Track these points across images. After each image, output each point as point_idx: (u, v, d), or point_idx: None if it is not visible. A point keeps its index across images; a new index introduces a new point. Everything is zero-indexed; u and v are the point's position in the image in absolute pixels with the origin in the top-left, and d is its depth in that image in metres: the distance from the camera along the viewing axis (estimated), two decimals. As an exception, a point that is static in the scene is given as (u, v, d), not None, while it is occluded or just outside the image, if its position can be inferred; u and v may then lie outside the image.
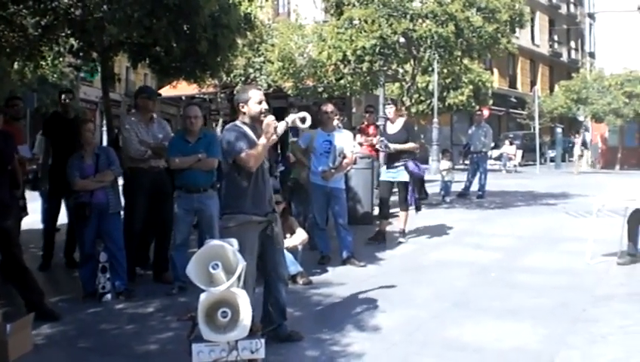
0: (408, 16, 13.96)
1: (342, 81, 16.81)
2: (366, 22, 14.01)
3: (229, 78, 21.87)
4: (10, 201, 6.23)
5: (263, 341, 4.28)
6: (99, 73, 12.37)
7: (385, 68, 16.00)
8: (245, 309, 4.16)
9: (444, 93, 28.78)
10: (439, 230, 11.13)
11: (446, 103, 29.13)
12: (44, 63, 13.33)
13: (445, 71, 22.02)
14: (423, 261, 8.91)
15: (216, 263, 4.15)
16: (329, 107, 8.77)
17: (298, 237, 7.77)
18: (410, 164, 9.68)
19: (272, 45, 21.11)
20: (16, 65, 14.44)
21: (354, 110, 26.93)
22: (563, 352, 5.25)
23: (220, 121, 24.53)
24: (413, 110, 25.02)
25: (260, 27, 19.25)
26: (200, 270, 4.20)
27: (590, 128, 36.39)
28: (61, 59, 12.98)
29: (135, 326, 6.15)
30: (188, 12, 9.15)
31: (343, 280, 7.70)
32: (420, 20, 14.07)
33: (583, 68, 40.45)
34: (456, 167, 19.81)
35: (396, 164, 9.78)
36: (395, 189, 10.10)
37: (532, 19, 42.78)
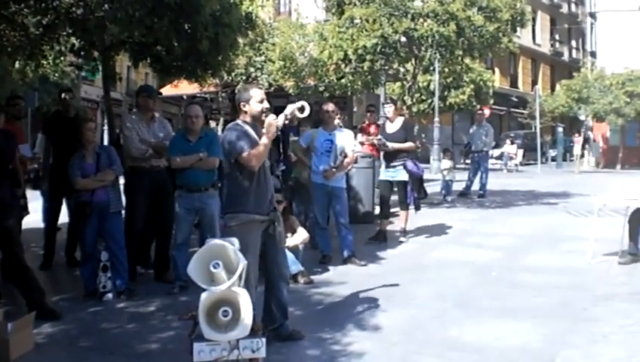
0: (409, 16, 13.99)
1: (343, 80, 16.85)
2: (367, 21, 14.04)
3: (230, 77, 21.89)
4: (11, 200, 6.23)
5: (264, 340, 4.28)
6: (100, 72, 12.39)
7: (386, 67, 16.04)
8: (246, 308, 4.16)
9: (446, 93, 28.77)
10: (440, 229, 11.13)
11: (447, 102, 29.10)
12: (45, 62, 13.32)
13: (446, 70, 22.04)
14: (423, 260, 8.91)
15: (217, 262, 4.15)
16: (330, 106, 8.77)
17: (299, 236, 7.77)
18: (409, 164, 9.68)
19: (273, 44, 21.14)
20: (17, 65, 14.47)
21: (355, 109, 26.95)
22: (564, 352, 5.25)
23: (221, 120, 24.52)
24: (415, 109, 24.92)
25: (261, 26, 19.26)
26: (201, 269, 4.20)
27: (589, 129, 36.38)
28: (62, 58, 12.99)
29: (136, 325, 6.15)
30: (189, 11, 9.15)
31: (343, 279, 7.71)
32: (421, 19, 14.10)
33: (584, 67, 40.41)
34: (458, 166, 19.83)
35: (395, 164, 9.78)
36: (395, 188, 10.10)
37: (533, 19, 42.71)
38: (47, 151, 8.59)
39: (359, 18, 14.32)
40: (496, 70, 41.13)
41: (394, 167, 9.79)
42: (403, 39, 14.60)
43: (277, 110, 5.14)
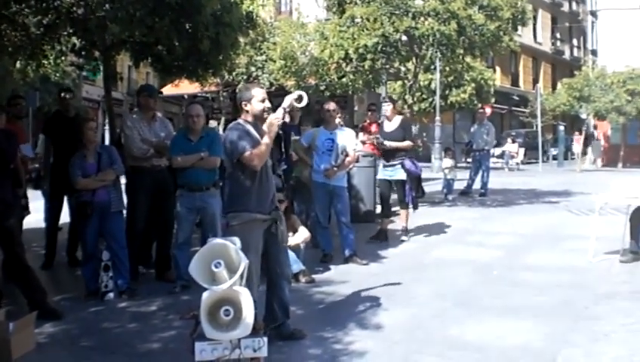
0: (410, 14, 13.99)
1: (344, 80, 16.81)
2: (368, 20, 14.04)
3: (231, 77, 21.86)
4: (12, 200, 6.24)
5: (265, 339, 4.28)
6: (101, 72, 12.39)
7: (387, 66, 16.02)
8: (248, 307, 4.16)
9: (447, 91, 28.76)
10: (441, 228, 11.13)
11: (448, 101, 29.10)
12: (46, 62, 13.32)
13: (447, 69, 22.01)
14: (425, 259, 8.91)
15: (218, 261, 4.15)
16: (331, 105, 8.78)
17: (300, 235, 7.76)
18: (407, 163, 9.68)
19: (274, 44, 21.09)
20: (18, 64, 14.48)
21: (356, 108, 26.88)
22: (565, 350, 5.25)
23: (222, 119, 24.51)
24: (416, 108, 24.95)
25: (262, 25, 19.22)
26: (202, 268, 4.20)
27: (592, 125, 36.33)
28: (63, 58, 12.99)
29: (137, 324, 6.15)
30: (190, 11, 9.15)
31: (345, 278, 7.71)
32: (422, 18, 14.10)
33: (585, 66, 40.33)
34: (459, 165, 19.79)
35: (393, 163, 9.78)
36: (394, 187, 10.09)
37: (534, 17, 42.61)
38: (47, 151, 8.60)
39: (360, 17, 14.32)
40: (498, 69, 41.13)
41: (392, 165, 9.79)
42: (404, 38, 14.59)
43: (278, 109, 5.13)
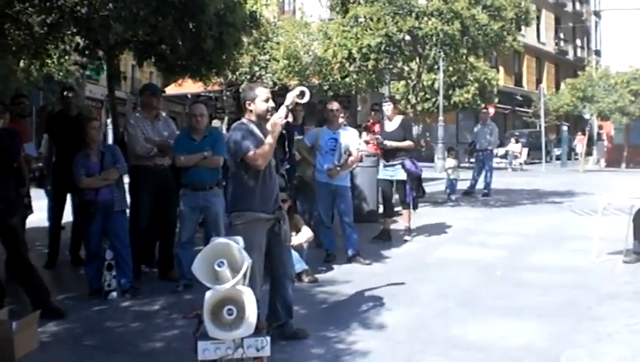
0: (414, 14, 13.98)
1: (347, 79, 16.83)
2: (371, 20, 14.04)
3: (234, 76, 21.89)
4: (15, 199, 6.24)
5: (268, 339, 4.28)
6: (104, 71, 12.43)
7: (390, 66, 16.03)
8: (251, 307, 4.16)
9: (450, 91, 28.76)
10: (444, 228, 11.13)
11: (451, 101, 29.09)
12: (49, 61, 13.34)
13: (451, 69, 22.02)
14: (427, 259, 8.90)
15: (221, 261, 4.15)
16: (334, 105, 8.78)
17: (304, 235, 7.76)
18: (407, 163, 9.67)
19: (278, 43, 21.12)
20: (22, 64, 14.50)
21: (359, 108, 26.88)
22: (568, 351, 5.24)
23: (226, 119, 24.52)
24: (419, 108, 25.01)
25: (266, 25, 19.26)
26: (205, 268, 4.20)
27: (595, 125, 36.27)
28: (67, 57, 13.01)
29: (141, 323, 6.16)
30: (193, 10, 9.16)
31: (348, 278, 7.71)
32: (426, 18, 14.10)
33: (588, 66, 40.21)
34: (462, 165, 19.76)
35: (393, 163, 9.78)
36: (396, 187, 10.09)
37: (538, 17, 42.65)
38: (49, 150, 8.61)
39: (363, 17, 14.32)
40: (501, 69, 41.10)
41: (392, 165, 9.79)
42: (407, 38, 14.59)
43: (280, 108, 5.13)
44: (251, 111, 5.22)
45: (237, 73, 21.32)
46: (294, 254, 6.68)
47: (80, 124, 7.51)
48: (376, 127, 12.03)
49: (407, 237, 10.08)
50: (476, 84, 29.18)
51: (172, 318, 6.21)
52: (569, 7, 52.87)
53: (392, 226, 10.16)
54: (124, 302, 6.82)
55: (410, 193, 9.83)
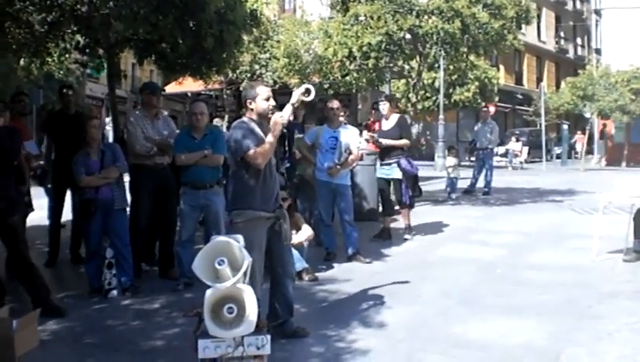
0: (414, 13, 13.97)
1: (347, 78, 16.80)
2: (372, 18, 14.02)
3: (234, 75, 21.92)
4: (16, 197, 6.24)
5: (268, 337, 4.27)
6: (105, 70, 12.43)
7: (391, 64, 16.01)
8: (251, 305, 4.15)
9: (450, 90, 28.76)
10: (445, 227, 11.13)
11: (452, 100, 29.09)
12: (50, 60, 13.35)
13: (451, 67, 22.02)
14: (428, 258, 8.90)
15: (222, 259, 4.15)
16: (335, 103, 8.78)
17: (304, 233, 7.76)
18: (403, 162, 9.65)
19: (278, 42, 21.12)
20: (22, 62, 14.52)
21: (360, 106, 26.89)
22: (569, 349, 5.24)
23: (226, 117, 24.54)
24: (419, 107, 25.02)
25: (266, 23, 19.26)
26: (206, 266, 4.20)
27: (595, 124, 36.25)
28: (67, 55, 13.03)
29: (141, 322, 6.16)
30: (194, 8, 9.16)
31: (348, 276, 7.71)
32: (426, 17, 14.08)
33: (589, 64, 40.17)
34: (462, 163, 19.76)
35: (389, 161, 9.77)
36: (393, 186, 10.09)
37: (538, 16, 42.60)
38: (48, 148, 8.60)
39: (364, 15, 14.31)
40: (501, 67, 41.06)
41: (388, 164, 9.79)
42: (408, 36, 14.58)
43: (282, 108, 5.12)
44: (252, 109, 5.21)
45: (237, 71, 21.35)
46: (295, 253, 6.67)
47: (79, 122, 7.50)
48: (377, 126, 12.05)
49: (407, 236, 10.08)
50: (477, 83, 29.18)
51: (172, 316, 6.22)
52: (569, 6, 52.84)
53: (393, 225, 10.17)
54: (125, 301, 6.82)
55: (406, 192, 9.82)
